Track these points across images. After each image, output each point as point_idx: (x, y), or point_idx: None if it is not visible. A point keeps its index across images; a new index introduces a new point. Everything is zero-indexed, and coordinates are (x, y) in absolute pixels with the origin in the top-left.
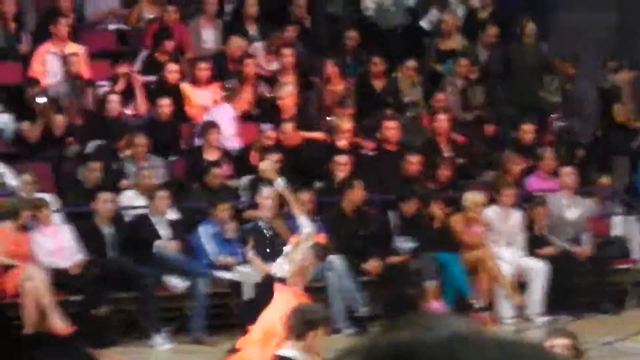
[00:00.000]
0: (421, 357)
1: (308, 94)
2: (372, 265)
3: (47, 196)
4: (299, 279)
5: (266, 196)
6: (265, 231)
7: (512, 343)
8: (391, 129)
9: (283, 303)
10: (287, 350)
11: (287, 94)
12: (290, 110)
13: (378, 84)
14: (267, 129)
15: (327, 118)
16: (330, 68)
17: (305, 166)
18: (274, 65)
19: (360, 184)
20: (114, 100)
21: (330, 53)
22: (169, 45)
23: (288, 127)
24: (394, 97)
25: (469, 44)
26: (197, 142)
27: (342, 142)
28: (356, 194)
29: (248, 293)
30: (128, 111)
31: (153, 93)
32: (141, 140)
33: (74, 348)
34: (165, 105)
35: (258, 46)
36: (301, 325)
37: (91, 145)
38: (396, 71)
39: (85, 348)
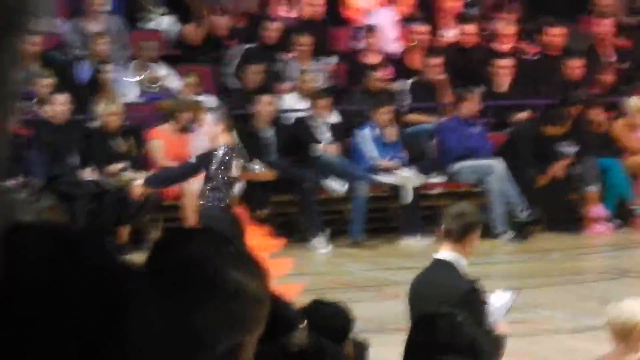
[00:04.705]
0: None
1: None
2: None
3: (208, 98)
4: None
5: None
6: None
7: None
8: (555, 35)
9: None
10: (445, 253)
11: None
12: (453, 12)
13: None
14: (419, 27)
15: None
16: None
17: (466, 69)
18: None
19: None
20: (275, 1)
21: None
22: None
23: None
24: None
25: None
26: (358, 45)
27: (504, 46)
28: None
29: (407, 197)
30: (289, 14)
31: None
32: (305, 39)
33: (229, 242)
34: (309, 3)
35: None
36: (460, 228)
37: (253, 47)
38: None
39: (239, 243)
